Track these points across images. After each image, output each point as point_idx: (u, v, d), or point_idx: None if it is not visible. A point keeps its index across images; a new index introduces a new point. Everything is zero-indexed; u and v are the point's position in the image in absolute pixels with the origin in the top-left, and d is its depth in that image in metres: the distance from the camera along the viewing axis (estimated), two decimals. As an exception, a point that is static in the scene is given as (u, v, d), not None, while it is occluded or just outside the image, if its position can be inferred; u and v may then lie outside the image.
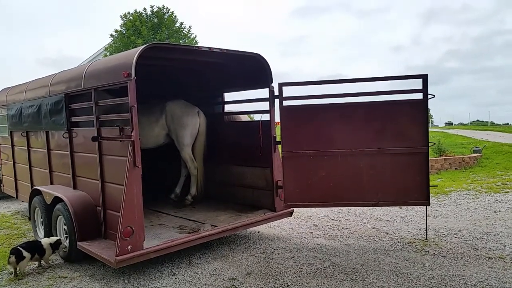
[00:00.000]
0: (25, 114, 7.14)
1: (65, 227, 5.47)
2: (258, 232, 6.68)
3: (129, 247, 4.47)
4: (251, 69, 6.21)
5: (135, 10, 22.43)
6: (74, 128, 5.79)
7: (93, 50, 28.03)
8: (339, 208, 7.94)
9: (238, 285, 4.57)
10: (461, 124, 46.08)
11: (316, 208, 7.70)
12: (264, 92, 6.15)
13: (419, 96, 5.50)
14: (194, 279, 4.79)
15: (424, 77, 5.43)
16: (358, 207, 7.82)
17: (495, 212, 7.48)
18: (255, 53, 5.88)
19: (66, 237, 5.45)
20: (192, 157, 6.75)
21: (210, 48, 5.48)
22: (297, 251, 5.66)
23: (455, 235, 6.15)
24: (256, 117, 6.58)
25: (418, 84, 5.49)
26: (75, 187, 5.82)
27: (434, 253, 5.41)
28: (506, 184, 10.06)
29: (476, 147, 15.79)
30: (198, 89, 7.53)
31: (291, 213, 6.29)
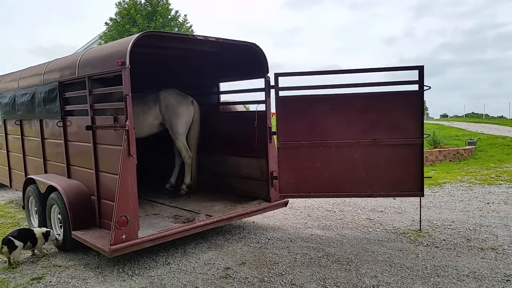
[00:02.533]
0: (18, 103, 7.07)
1: (59, 216, 5.46)
2: (253, 222, 6.70)
3: (124, 236, 4.47)
4: (246, 59, 6.17)
5: (130, -2, 22.18)
6: (68, 117, 5.74)
7: (87, 39, 27.74)
8: (334, 198, 7.97)
9: (233, 274, 4.60)
10: (456, 116, 46.21)
11: (311, 198, 7.72)
12: (259, 82, 6.12)
13: (415, 87, 5.49)
14: (189, 268, 4.80)
15: (420, 69, 5.42)
16: (353, 198, 7.85)
17: (488, 203, 7.54)
18: (251, 43, 5.84)
19: (61, 226, 5.44)
20: (187, 146, 6.73)
21: (205, 37, 5.43)
22: (291, 241, 5.69)
23: (448, 226, 6.20)
24: (252, 108, 6.56)
25: (413, 75, 5.48)
26: (69, 176, 5.79)
27: (427, 244, 5.46)
28: (499, 176, 10.13)
29: (470, 139, 15.87)
30: (193, 78, 7.49)
31: (286, 204, 6.30)
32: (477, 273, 4.47)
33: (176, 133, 6.60)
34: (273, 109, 6.02)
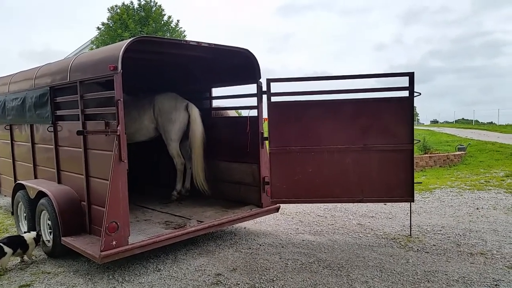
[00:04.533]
0: (8, 107, 7.01)
1: (49, 222, 5.40)
2: (245, 228, 6.70)
3: (114, 243, 4.44)
4: (239, 64, 6.20)
5: (123, 3, 22.18)
6: (59, 122, 5.71)
7: (79, 44, 27.62)
8: (325, 204, 8.00)
9: (224, 281, 4.58)
10: (447, 122, 46.63)
11: (303, 204, 7.74)
12: (252, 88, 6.14)
13: (405, 93, 5.55)
14: (180, 275, 4.78)
15: (411, 75, 5.48)
16: (344, 204, 7.89)
17: (477, 209, 7.61)
18: (243, 48, 5.87)
19: (50, 232, 5.38)
20: (180, 153, 6.70)
21: (198, 42, 5.44)
22: (283, 247, 5.69)
23: (438, 232, 6.25)
24: (244, 113, 6.57)
25: (404, 82, 5.55)
26: (59, 182, 5.74)
27: (417, 249, 5.49)
28: (489, 181, 10.24)
29: (460, 145, 16.02)
30: (185, 83, 7.48)
31: (277, 209, 6.31)
32: (466, 278, 4.51)
33: (169, 139, 6.56)
34: (265, 115, 6.04)
